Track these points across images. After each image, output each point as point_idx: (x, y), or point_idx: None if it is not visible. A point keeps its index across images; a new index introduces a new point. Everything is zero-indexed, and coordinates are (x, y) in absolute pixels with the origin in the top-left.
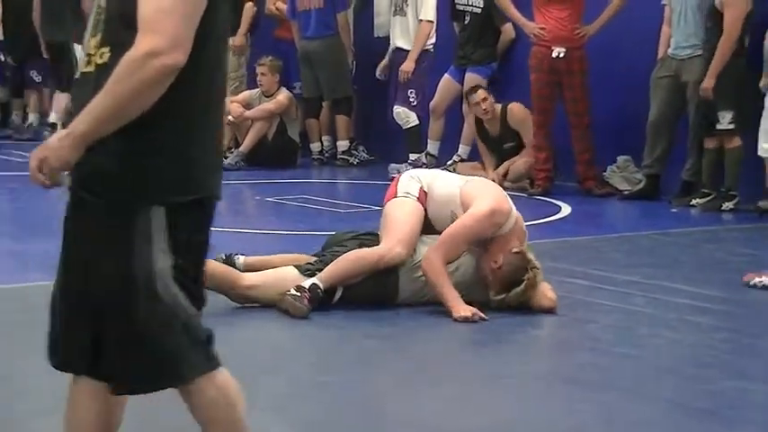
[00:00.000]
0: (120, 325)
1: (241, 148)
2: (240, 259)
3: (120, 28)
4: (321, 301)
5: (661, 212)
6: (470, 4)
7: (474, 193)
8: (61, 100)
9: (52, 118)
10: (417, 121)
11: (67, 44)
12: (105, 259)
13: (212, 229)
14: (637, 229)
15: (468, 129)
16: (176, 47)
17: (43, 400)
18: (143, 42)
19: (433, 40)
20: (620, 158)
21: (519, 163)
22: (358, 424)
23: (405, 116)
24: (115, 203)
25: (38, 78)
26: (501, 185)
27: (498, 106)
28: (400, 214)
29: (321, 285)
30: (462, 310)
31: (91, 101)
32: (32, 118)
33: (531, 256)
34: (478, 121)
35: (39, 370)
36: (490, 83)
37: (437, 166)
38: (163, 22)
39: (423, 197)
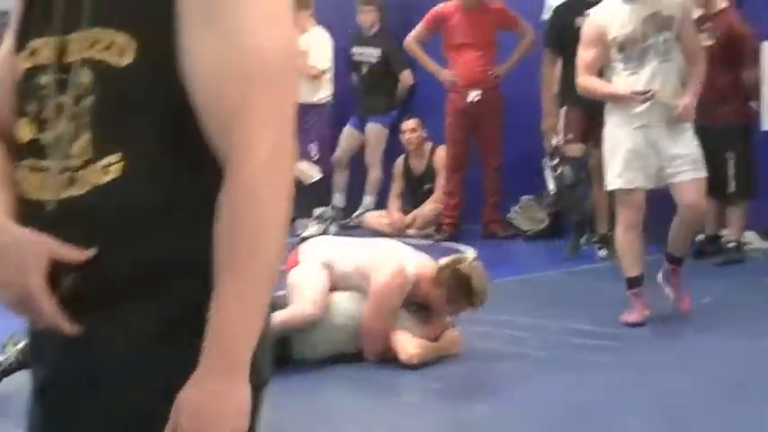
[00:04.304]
0: None
1: None
2: None
3: (131, 116)
4: None
5: (565, 251)
6: (367, 54)
7: (368, 268)
8: None
9: None
10: (320, 175)
11: None
12: None
13: None
14: (540, 269)
15: (374, 179)
16: None
17: None
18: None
19: (328, 92)
20: (523, 199)
21: (427, 210)
22: None
23: (306, 170)
24: None
25: None
26: (405, 231)
27: (429, 145)
28: (306, 277)
29: None
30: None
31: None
32: None
33: (445, 261)
34: (406, 157)
35: None
36: (392, 131)
37: (344, 218)
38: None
39: (327, 268)
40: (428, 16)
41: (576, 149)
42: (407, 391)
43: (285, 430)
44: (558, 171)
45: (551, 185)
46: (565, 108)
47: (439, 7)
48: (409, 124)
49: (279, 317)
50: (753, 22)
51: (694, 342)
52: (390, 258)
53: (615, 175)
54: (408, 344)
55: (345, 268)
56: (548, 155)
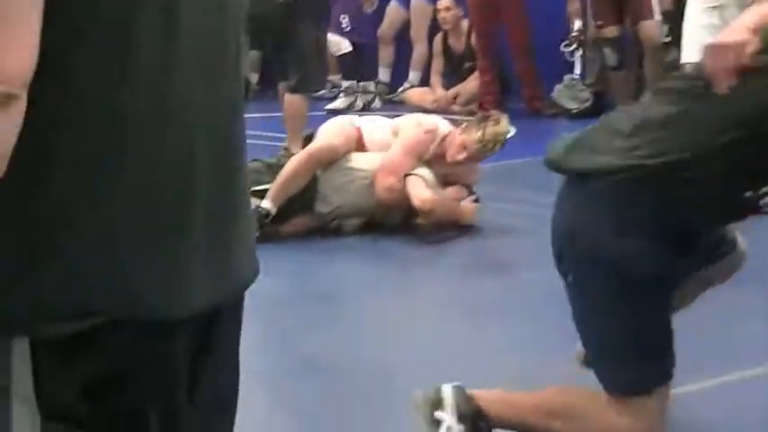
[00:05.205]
0: None
1: None
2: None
3: None
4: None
5: None
6: None
7: (400, 123)
8: None
9: None
10: (349, 48)
11: None
12: None
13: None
14: None
15: (419, 55)
16: None
17: None
18: None
19: None
20: (567, 77)
21: (470, 85)
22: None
23: (335, 43)
24: None
25: None
26: (449, 107)
27: (466, 22)
28: (330, 125)
29: (266, 205)
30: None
31: None
32: None
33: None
34: (445, 37)
35: None
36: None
37: (389, 93)
38: None
39: (357, 129)
40: None
41: (611, 31)
42: (423, 264)
43: (300, 298)
44: (590, 53)
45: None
46: None
47: None
48: (444, 3)
49: (298, 156)
50: None
51: None
52: (423, 115)
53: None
54: (421, 190)
55: (380, 133)
56: (568, 38)
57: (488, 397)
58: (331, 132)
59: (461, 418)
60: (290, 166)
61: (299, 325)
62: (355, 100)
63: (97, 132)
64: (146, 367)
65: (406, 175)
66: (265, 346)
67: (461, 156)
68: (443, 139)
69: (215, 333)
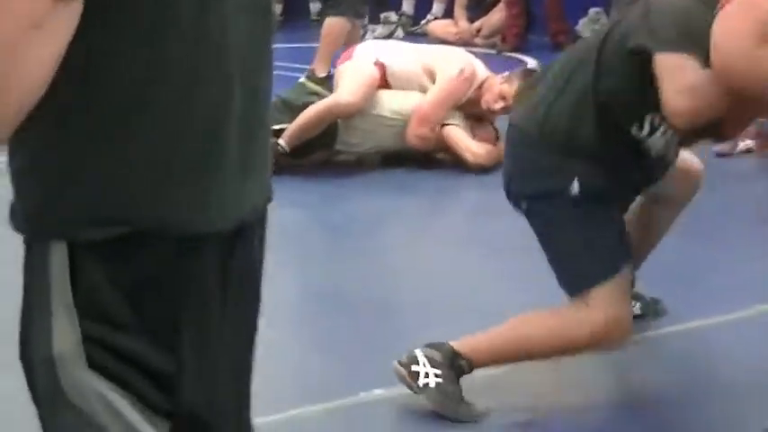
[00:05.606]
0: None
1: None
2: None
3: None
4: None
5: None
6: None
7: (434, 62)
8: None
9: None
10: None
11: None
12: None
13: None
14: None
15: None
16: None
17: None
18: None
19: None
20: (592, 11)
21: (494, 18)
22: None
23: None
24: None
25: None
26: (471, 40)
27: None
28: (350, 70)
29: (282, 144)
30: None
31: None
32: None
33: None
34: None
35: None
36: None
37: (413, 25)
38: None
39: (380, 66)
40: None
41: None
42: (444, 198)
43: (319, 229)
44: None
45: None
46: None
47: None
48: None
49: (317, 106)
50: None
51: None
52: (461, 56)
53: None
54: (470, 142)
55: (406, 67)
56: None
57: (461, 340)
58: (353, 83)
59: (435, 363)
60: (309, 114)
61: (317, 256)
62: (394, 30)
63: (136, 65)
64: (178, 276)
65: (443, 125)
66: (282, 276)
67: (498, 105)
68: (481, 85)
69: (240, 250)
